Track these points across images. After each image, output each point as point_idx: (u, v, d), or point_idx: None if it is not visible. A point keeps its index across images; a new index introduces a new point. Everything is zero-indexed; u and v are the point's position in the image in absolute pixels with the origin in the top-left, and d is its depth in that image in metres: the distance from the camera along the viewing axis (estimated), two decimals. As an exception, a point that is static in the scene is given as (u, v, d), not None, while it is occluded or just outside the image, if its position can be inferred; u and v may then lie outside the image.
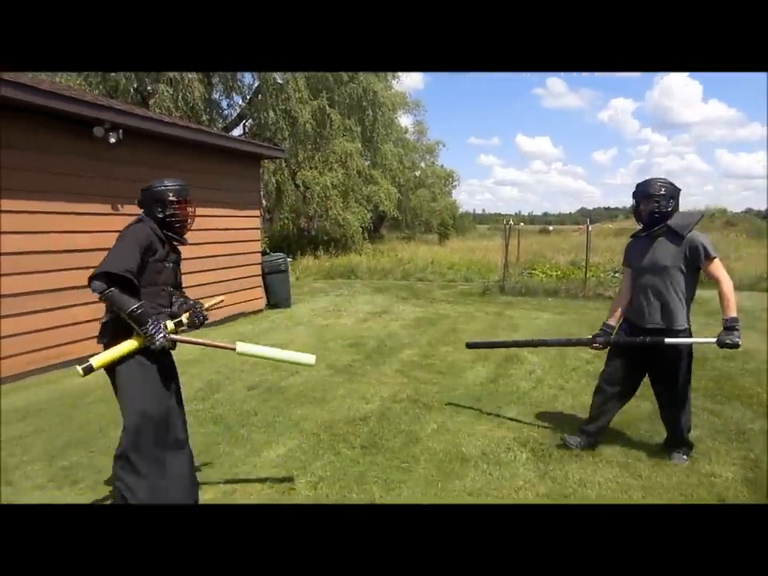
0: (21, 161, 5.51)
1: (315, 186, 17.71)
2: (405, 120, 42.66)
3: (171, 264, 2.95)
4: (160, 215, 2.86)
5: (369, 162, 22.28)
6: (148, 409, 2.72)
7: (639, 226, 3.61)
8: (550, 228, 39.41)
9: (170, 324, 2.87)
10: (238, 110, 18.66)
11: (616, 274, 12.65)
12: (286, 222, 19.39)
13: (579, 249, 14.95)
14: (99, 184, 6.36)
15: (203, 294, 8.21)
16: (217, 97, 18.08)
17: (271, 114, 16.54)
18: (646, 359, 3.59)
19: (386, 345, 6.99)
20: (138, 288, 2.71)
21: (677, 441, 3.68)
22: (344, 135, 18.74)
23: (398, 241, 28.15)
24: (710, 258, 3.35)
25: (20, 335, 5.49)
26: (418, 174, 32.42)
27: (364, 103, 19.33)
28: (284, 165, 17.76)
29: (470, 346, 4.81)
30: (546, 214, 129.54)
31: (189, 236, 2.98)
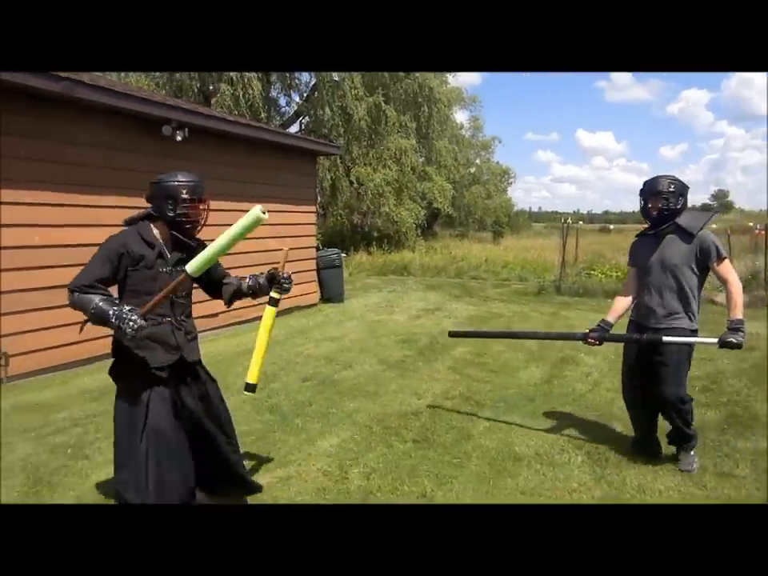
0: (98, 158, 5.84)
1: (369, 183, 17.83)
2: (460, 116, 42.30)
3: (169, 268, 2.68)
4: (170, 213, 2.62)
5: (423, 158, 22.27)
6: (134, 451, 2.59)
7: (647, 225, 3.53)
8: (611, 227, 38.34)
9: (273, 300, 2.82)
10: (295, 108, 18.99)
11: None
12: (340, 217, 19.62)
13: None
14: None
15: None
16: (275, 95, 18.49)
17: (327, 110, 16.77)
18: (650, 358, 3.44)
19: (438, 342, 7.01)
20: (117, 298, 2.60)
21: (679, 444, 3.57)
22: (399, 132, 18.79)
23: (452, 238, 28.02)
24: (721, 258, 3.30)
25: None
26: (472, 170, 32.11)
27: (419, 99, 19.29)
28: (339, 161, 17.97)
29: (452, 334, 4.71)
30: (606, 213, 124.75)
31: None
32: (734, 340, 3.13)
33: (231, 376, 5.43)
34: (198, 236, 2.81)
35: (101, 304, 2.45)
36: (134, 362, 2.63)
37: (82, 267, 2.60)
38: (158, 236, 2.70)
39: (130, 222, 2.74)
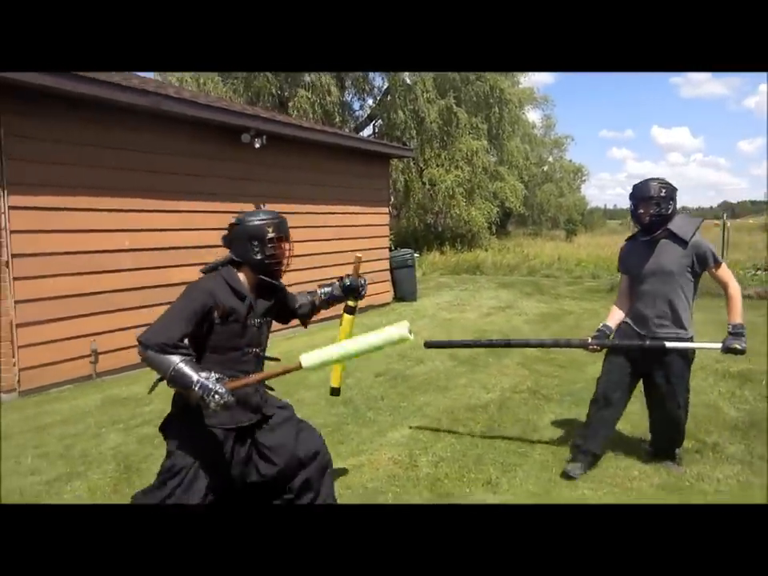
0: (185, 167, 6.32)
1: (441, 184, 17.94)
2: (533, 115, 41.63)
3: (257, 320, 2.44)
4: (257, 257, 2.36)
5: (495, 158, 22.12)
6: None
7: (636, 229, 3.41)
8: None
9: (350, 308, 2.74)
10: (369, 111, 19.38)
11: (758, 272, 11.72)
12: (414, 218, 19.83)
13: (718, 245, 13.81)
14: (245, 185, 7.07)
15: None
16: (349, 99, 18.95)
17: (400, 113, 17.03)
18: (644, 365, 3.32)
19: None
20: (198, 355, 2.29)
21: (668, 453, 3.46)
22: (470, 133, 18.79)
23: (524, 237, 27.63)
24: (718, 264, 3.23)
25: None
26: (545, 168, 31.57)
27: (490, 101, 19.22)
28: (412, 163, 18.18)
29: (428, 345, 4.11)
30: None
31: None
32: (738, 346, 3.07)
33: (312, 375, 5.70)
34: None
35: (185, 368, 2.15)
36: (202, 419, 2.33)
37: (167, 294, 2.61)
38: (244, 282, 2.43)
39: (210, 269, 2.44)
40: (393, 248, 13.86)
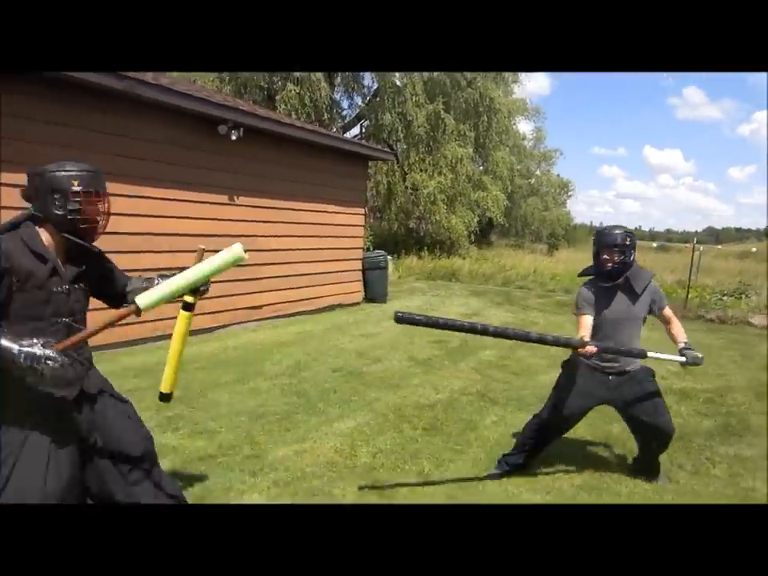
0: (159, 154, 6.40)
1: (423, 189, 18.11)
2: (524, 126, 42.03)
3: (66, 286, 2.14)
4: (58, 211, 2.07)
5: (481, 167, 22.36)
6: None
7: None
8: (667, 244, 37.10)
9: (187, 305, 2.36)
10: (357, 111, 19.52)
11: (723, 297, 12.07)
12: (395, 221, 19.97)
13: (687, 269, 14.19)
14: (220, 176, 7.16)
15: (306, 283, 8.91)
16: (338, 97, 19.05)
17: (387, 115, 17.18)
18: (609, 392, 3.43)
19: (467, 344, 7.21)
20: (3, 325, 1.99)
21: (653, 469, 3.61)
22: (456, 140, 18.98)
23: (506, 248, 27.89)
24: (665, 305, 3.48)
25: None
26: (531, 181, 31.87)
27: (480, 109, 19.42)
28: (396, 166, 18.34)
29: (399, 320, 3.15)
30: (668, 231, 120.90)
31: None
32: (699, 354, 3.30)
33: (267, 364, 5.85)
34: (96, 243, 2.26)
35: (1, 341, 1.89)
36: (26, 395, 2.04)
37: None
38: (49, 243, 2.13)
39: (8, 228, 2.09)
40: (370, 249, 14.02)
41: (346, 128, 19.40)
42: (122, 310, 2.19)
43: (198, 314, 6.98)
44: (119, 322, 2.25)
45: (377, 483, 3.33)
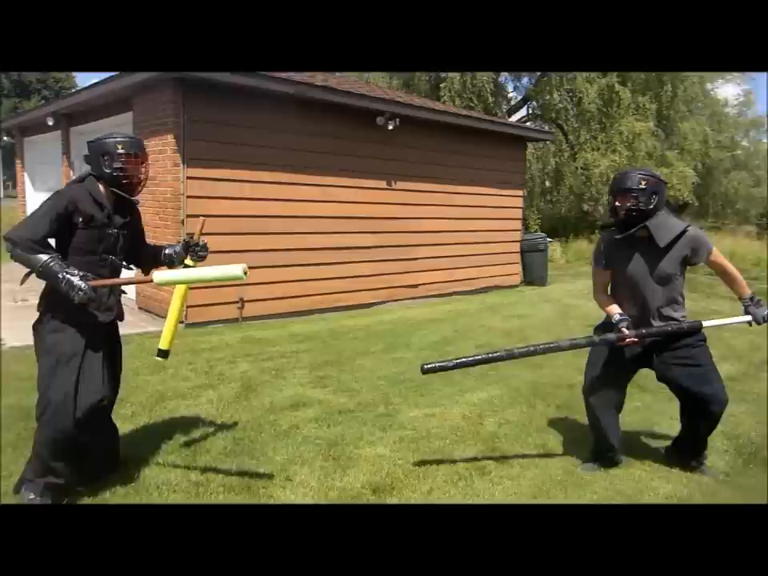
0: (326, 146, 7.14)
1: (595, 168, 17.16)
2: (727, 90, 37.14)
3: (115, 230, 2.69)
4: (107, 170, 2.61)
5: (664, 142, 20.48)
6: (52, 397, 2.53)
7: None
8: None
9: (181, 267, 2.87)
10: (524, 93, 19.11)
11: None
12: (563, 204, 19.24)
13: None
14: (379, 164, 7.72)
15: (462, 264, 9.18)
16: (503, 80, 18.78)
17: (555, 94, 16.60)
18: (644, 359, 3.13)
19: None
20: (62, 256, 2.51)
21: (695, 452, 3.22)
22: (634, 114, 17.65)
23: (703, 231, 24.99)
24: (711, 252, 3.00)
25: (308, 281, 7.20)
26: (737, 153, 27.88)
27: (663, 77, 17.79)
28: (564, 146, 17.66)
29: (426, 371, 3.26)
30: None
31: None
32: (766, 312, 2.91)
33: (415, 337, 6.26)
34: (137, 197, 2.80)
35: (51, 264, 2.41)
36: (68, 313, 2.57)
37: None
38: (105, 196, 2.67)
39: (77, 180, 2.70)
40: (537, 231, 13.80)
41: (511, 111, 19.09)
42: (144, 278, 2.72)
43: (358, 291, 7.84)
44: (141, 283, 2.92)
45: (496, 451, 3.49)
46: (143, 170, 2.72)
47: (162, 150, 6.18)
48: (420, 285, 8.61)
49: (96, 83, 6.94)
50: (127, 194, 2.68)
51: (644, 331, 3.01)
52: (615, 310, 3.09)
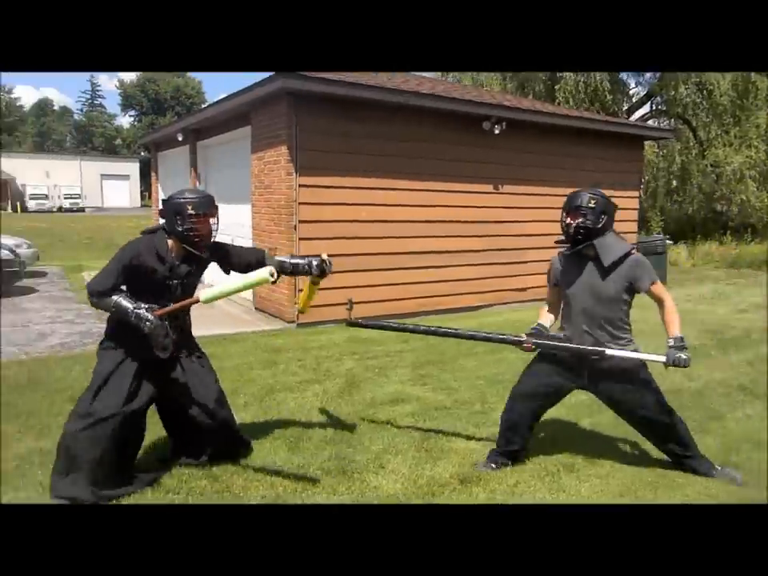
0: (435, 152, 7.35)
1: (727, 166, 15.85)
2: None
3: (176, 281, 2.91)
4: (179, 228, 2.82)
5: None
6: (96, 410, 2.74)
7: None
8: None
9: (311, 284, 3.20)
10: (647, 89, 18.11)
11: None
12: (690, 204, 17.95)
13: None
14: (486, 168, 7.80)
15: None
16: (625, 77, 17.94)
17: (681, 89, 15.60)
18: (579, 378, 3.17)
19: (749, 336, 6.45)
20: (133, 294, 2.82)
21: (691, 458, 3.19)
22: (773, 105, 16.12)
23: None
24: (653, 282, 3.00)
25: (413, 284, 7.42)
26: None
27: (810, 64, 16.08)
28: (692, 143, 16.52)
29: (350, 323, 3.91)
30: None
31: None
32: (683, 355, 2.80)
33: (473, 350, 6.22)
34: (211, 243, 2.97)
35: (122, 302, 2.74)
36: (130, 340, 2.84)
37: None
38: (171, 248, 2.90)
39: (149, 231, 2.96)
40: (660, 233, 13.04)
41: (633, 109, 18.16)
42: (188, 301, 2.89)
43: (464, 294, 7.93)
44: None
45: (587, 451, 3.49)
46: (213, 222, 2.93)
47: (276, 161, 6.69)
48: (529, 288, 8.55)
49: (221, 99, 7.66)
50: (196, 250, 2.90)
51: (542, 342, 3.15)
52: (540, 320, 3.33)
